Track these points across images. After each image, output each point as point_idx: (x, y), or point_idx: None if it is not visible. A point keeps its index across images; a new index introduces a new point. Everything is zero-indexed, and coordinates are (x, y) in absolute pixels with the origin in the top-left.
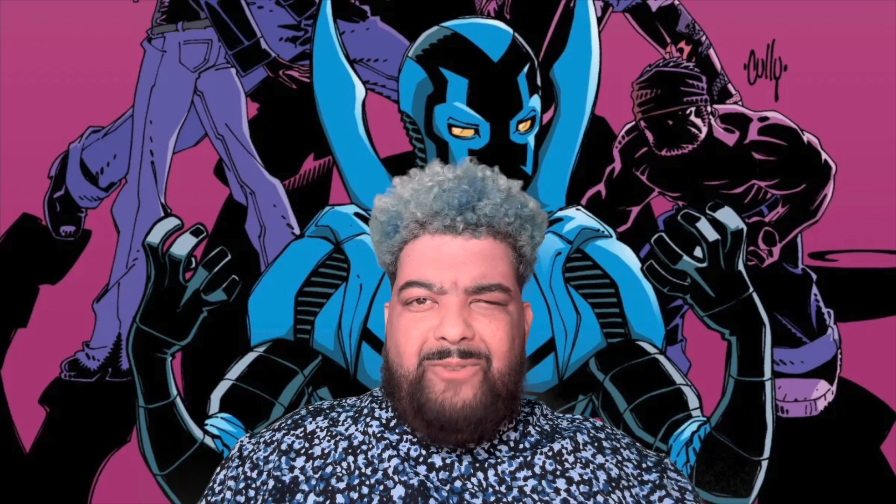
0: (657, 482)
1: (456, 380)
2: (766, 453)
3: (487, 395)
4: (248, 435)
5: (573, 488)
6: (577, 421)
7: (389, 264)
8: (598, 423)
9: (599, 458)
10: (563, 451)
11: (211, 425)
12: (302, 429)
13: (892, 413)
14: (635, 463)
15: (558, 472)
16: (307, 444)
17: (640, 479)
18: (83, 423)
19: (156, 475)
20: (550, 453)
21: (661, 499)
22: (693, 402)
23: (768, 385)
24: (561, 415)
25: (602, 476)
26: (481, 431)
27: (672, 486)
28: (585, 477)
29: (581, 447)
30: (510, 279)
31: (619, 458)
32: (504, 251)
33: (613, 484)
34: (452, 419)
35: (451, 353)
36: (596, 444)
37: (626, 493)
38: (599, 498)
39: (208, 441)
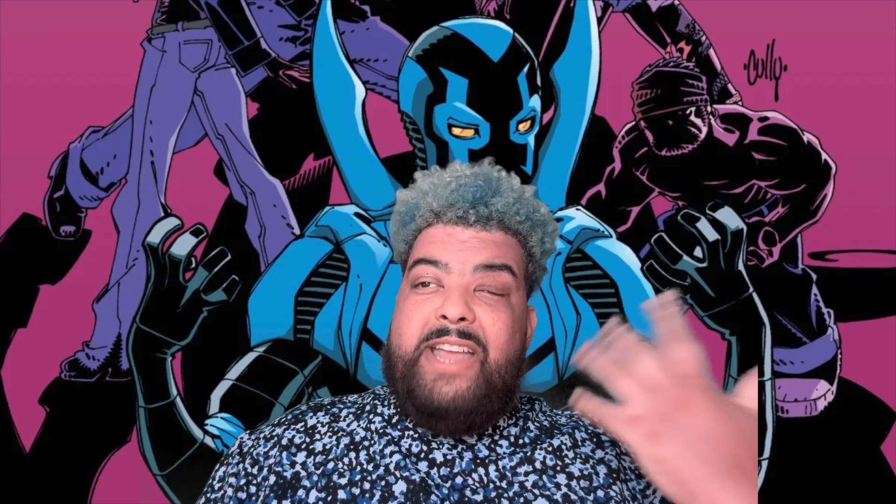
0: None
1: (449, 372)
2: (766, 453)
3: (482, 388)
4: (247, 431)
5: (574, 483)
6: (575, 417)
7: (403, 253)
8: None
9: (599, 453)
10: (563, 446)
11: (211, 425)
12: (303, 423)
13: (892, 413)
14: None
15: (559, 468)
16: (308, 439)
17: (637, 472)
18: (83, 423)
19: (156, 475)
20: (550, 448)
21: (654, 491)
22: None
23: (768, 385)
24: (559, 411)
25: (602, 470)
26: (471, 422)
27: None
28: (585, 472)
29: (579, 443)
30: (519, 269)
31: (619, 450)
32: (514, 245)
33: (614, 476)
34: (441, 408)
35: (449, 332)
36: (594, 439)
37: (625, 487)
38: (600, 493)
39: (208, 441)
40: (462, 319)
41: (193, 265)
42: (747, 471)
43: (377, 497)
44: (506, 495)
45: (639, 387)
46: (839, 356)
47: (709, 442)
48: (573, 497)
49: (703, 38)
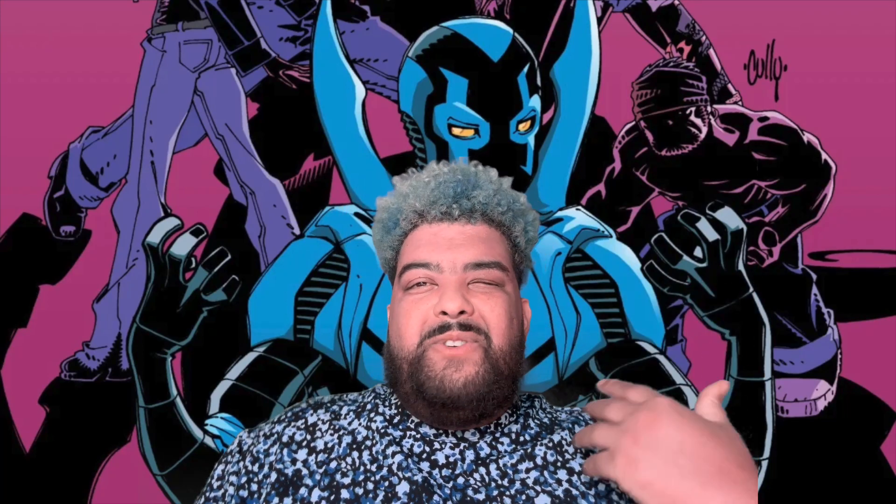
0: None
1: (457, 357)
2: (766, 453)
3: (490, 373)
4: (246, 429)
5: (574, 479)
6: (576, 413)
7: (390, 260)
8: None
9: None
10: (563, 441)
11: (211, 425)
12: (303, 420)
13: (892, 413)
14: None
15: (559, 463)
16: (309, 437)
17: None
18: (83, 423)
19: (156, 475)
20: (551, 444)
21: None
22: (693, 402)
23: (768, 385)
24: (559, 408)
25: None
26: (483, 408)
27: None
28: None
29: None
30: (507, 262)
31: None
32: (500, 237)
33: None
34: (454, 396)
35: (451, 327)
36: None
37: None
38: (601, 486)
39: (208, 441)
40: (462, 313)
41: (193, 265)
42: (735, 475)
43: (381, 497)
44: (507, 493)
45: (607, 427)
46: (839, 356)
47: (686, 453)
48: (574, 492)
49: (703, 38)
